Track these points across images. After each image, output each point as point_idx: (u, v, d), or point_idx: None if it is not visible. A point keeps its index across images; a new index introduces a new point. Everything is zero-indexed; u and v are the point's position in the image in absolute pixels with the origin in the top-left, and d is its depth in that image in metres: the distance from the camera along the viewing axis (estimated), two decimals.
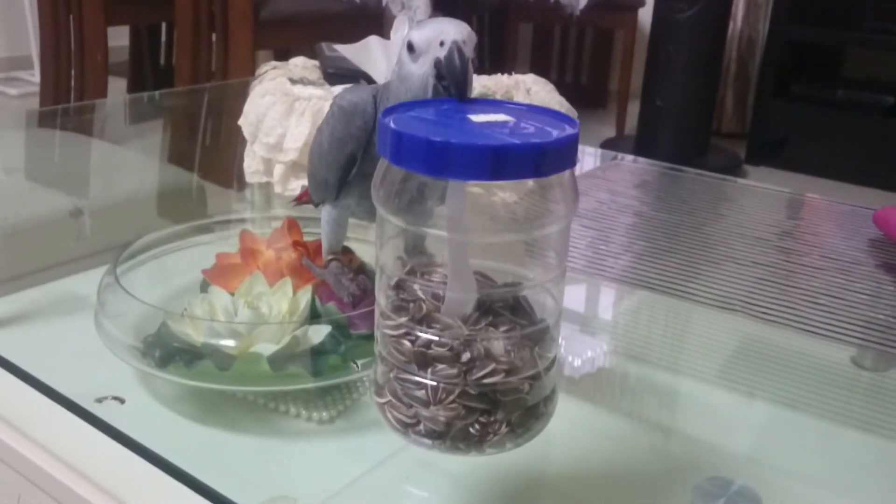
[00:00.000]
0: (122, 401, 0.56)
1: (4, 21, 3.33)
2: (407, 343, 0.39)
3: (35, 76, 3.00)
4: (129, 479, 0.49)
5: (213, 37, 2.10)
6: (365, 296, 0.57)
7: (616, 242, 0.86)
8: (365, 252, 0.64)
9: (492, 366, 0.38)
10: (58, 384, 0.57)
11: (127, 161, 1.18)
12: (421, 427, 0.39)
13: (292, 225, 0.65)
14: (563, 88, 0.88)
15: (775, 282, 0.79)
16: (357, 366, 0.54)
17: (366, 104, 0.51)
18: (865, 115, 2.58)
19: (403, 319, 0.39)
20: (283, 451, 0.52)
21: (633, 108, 2.81)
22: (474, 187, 0.38)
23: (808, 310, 0.73)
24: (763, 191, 1.14)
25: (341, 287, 0.57)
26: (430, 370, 0.38)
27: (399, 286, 0.40)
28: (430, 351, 0.38)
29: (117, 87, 2.67)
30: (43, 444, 0.51)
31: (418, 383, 0.38)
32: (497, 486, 0.50)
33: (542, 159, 0.36)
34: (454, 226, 0.37)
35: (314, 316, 0.58)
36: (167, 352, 0.54)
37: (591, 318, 0.76)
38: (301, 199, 0.71)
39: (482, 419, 0.38)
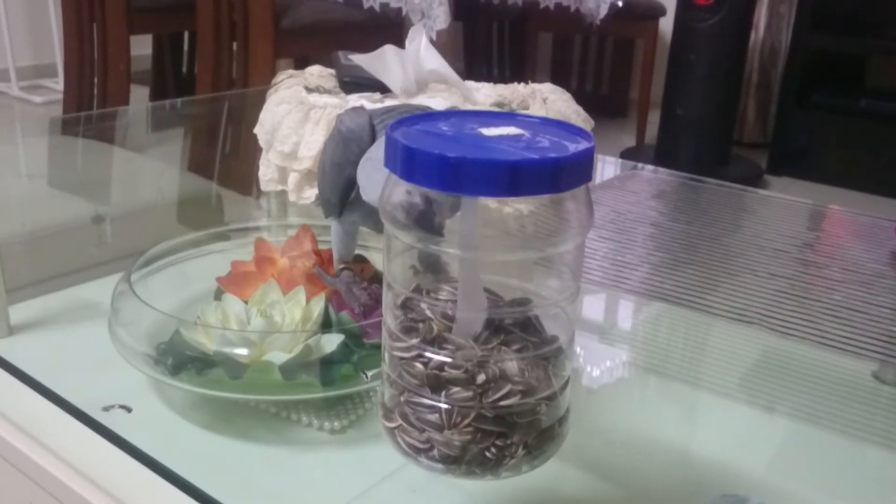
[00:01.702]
0: (128, 409, 0.56)
1: (30, 30, 3.37)
2: (419, 365, 0.38)
3: (59, 84, 3.04)
4: (140, 487, 0.49)
5: (234, 46, 2.12)
6: (377, 305, 0.57)
7: (634, 253, 0.85)
8: (380, 261, 0.63)
9: (507, 387, 0.37)
10: (70, 392, 0.57)
11: (145, 168, 1.19)
12: (434, 452, 0.38)
13: (307, 233, 0.65)
14: (583, 97, 0.87)
15: (795, 294, 0.78)
16: (366, 376, 0.53)
17: (362, 131, 0.50)
18: (889, 125, 2.55)
19: (415, 341, 0.38)
20: (294, 461, 0.52)
21: (654, 118, 2.80)
22: (486, 200, 0.38)
23: (829, 323, 0.72)
24: (783, 202, 1.12)
25: (352, 297, 0.57)
26: (443, 393, 0.37)
27: (406, 305, 0.39)
28: (444, 373, 0.37)
29: (140, 95, 2.70)
30: (56, 452, 0.52)
31: (431, 407, 0.37)
32: (510, 499, 0.49)
33: (558, 174, 0.35)
34: (466, 243, 0.37)
35: (327, 325, 0.58)
36: (180, 360, 0.54)
37: (608, 329, 0.75)
38: None
39: (498, 442, 0.37)
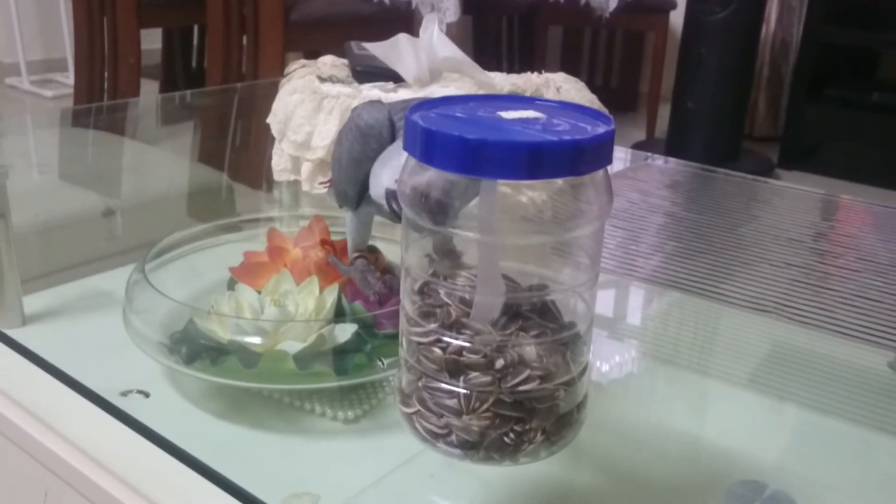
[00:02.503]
0: (146, 394, 0.56)
1: (40, 24, 3.38)
2: (438, 350, 0.38)
3: (69, 78, 3.04)
4: (155, 474, 0.49)
5: (244, 39, 2.12)
6: (392, 294, 0.56)
7: (646, 243, 0.85)
8: (392, 252, 0.63)
9: (526, 372, 0.37)
10: (85, 379, 0.57)
11: (156, 160, 1.19)
12: (452, 437, 0.38)
13: (319, 223, 0.65)
14: (592, 91, 0.87)
15: (810, 284, 0.78)
16: (382, 363, 0.53)
17: (381, 126, 0.50)
18: None
19: (433, 326, 0.38)
20: (307, 449, 0.52)
21: (664, 112, 2.79)
22: (503, 186, 0.38)
23: (844, 313, 0.72)
24: (797, 192, 1.12)
25: (367, 285, 0.57)
26: (462, 378, 0.37)
27: (424, 291, 0.39)
28: (462, 358, 0.37)
29: (150, 89, 2.70)
30: (70, 440, 0.52)
31: (450, 392, 0.37)
32: (525, 489, 0.49)
33: (580, 157, 0.34)
34: (486, 227, 0.36)
35: (340, 314, 0.58)
36: (194, 349, 0.54)
37: (620, 319, 0.75)
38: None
39: (517, 428, 0.37)
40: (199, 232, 0.71)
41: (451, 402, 0.37)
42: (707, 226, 0.91)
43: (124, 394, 0.56)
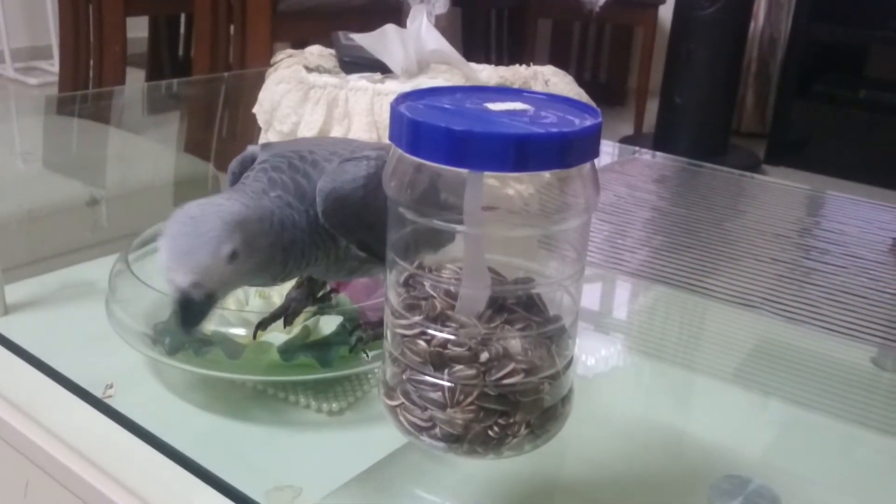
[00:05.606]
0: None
1: (25, 11, 3.35)
2: (422, 343, 0.37)
3: (54, 66, 3.01)
4: (137, 465, 0.49)
5: (231, 29, 2.10)
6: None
7: (633, 237, 0.85)
8: None
9: (511, 366, 0.37)
10: (68, 370, 0.56)
11: (142, 149, 1.18)
12: (436, 430, 0.37)
13: None
14: (581, 85, 0.87)
15: (795, 279, 0.78)
16: (367, 355, 0.53)
17: None
18: (888, 116, 2.55)
19: (418, 318, 0.37)
20: (291, 441, 0.52)
21: (652, 106, 2.79)
22: (489, 179, 0.37)
23: (829, 308, 0.72)
24: (783, 188, 1.12)
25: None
26: (446, 371, 0.37)
27: (408, 283, 0.39)
28: (447, 351, 0.37)
29: (136, 77, 2.68)
30: (52, 431, 0.51)
31: (434, 385, 0.37)
32: (509, 483, 0.49)
33: (567, 149, 0.34)
34: (472, 219, 0.36)
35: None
36: (177, 339, 0.54)
37: (606, 313, 0.75)
38: None
39: (501, 421, 0.37)
40: None
41: (436, 395, 0.37)
42: (694, 221, 0.91)
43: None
